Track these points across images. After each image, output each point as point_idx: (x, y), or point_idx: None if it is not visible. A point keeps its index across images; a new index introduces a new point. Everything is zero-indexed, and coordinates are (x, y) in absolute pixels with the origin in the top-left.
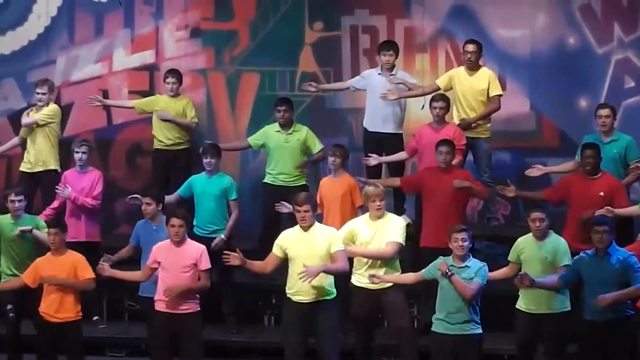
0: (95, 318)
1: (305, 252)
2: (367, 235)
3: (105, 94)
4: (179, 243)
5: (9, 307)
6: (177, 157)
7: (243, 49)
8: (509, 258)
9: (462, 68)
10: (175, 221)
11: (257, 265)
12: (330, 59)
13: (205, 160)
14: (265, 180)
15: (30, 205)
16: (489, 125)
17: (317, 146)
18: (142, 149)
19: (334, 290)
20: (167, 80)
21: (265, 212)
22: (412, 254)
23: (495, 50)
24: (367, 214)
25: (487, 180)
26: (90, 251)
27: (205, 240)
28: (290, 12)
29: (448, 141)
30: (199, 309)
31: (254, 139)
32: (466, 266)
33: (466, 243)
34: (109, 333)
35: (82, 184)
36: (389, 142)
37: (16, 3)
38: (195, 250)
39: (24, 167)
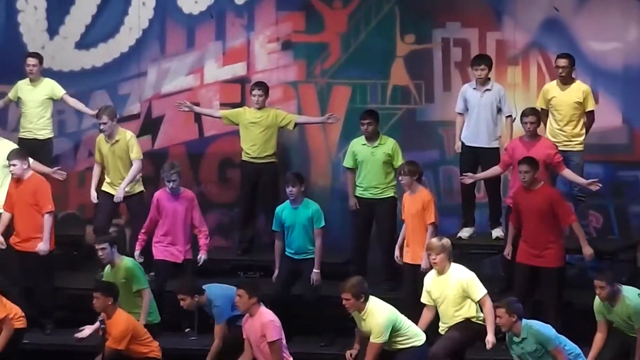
0: (187, 330)
1: None
2: (435, 294)
3: (197, 107)
4: (250, 314)
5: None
6: (263, 170)
7: (334, 61)
8: (596, 318)
9: (554, 82)
10: (238, 291)
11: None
12: (421, 72)
13: (287, 190)
14: (355, 194)
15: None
16: (582, 138)
17: (398, 161)
18: (232, 161)
19: (414, 339)
20: (254, 92)
21: (355, 226)
22: (504, 266)
23: (587, 63)
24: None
25: (577, 194)
26: (181, 268)
27: (296, 262)
28: (382, 25)
29: (528, 160)
30: None
31: (347, 161)
32: (524, 338)
33: (502, 320)
34: (200, 345)
35: (176, 207)
36: (485, 155)
37: (108, 15)
38: (261, 324)
39: (106, 188)
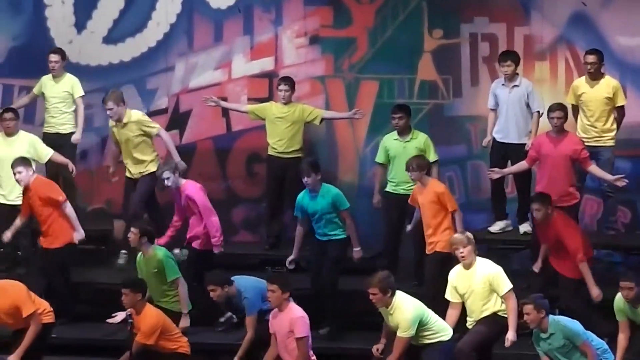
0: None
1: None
2: (462, 289)
3: (224, 101)
4: (279, 309)
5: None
6: (289, 165)
7: (362, 56)
8: (617, 318)
9: (583, 78)
10: (270, 286)
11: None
12: (449, 67)
13: (304, 180)
14: (386, 189)
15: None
16: (613, 133)
17: (430, 156)
18: (260, 156)
19: (441, 334)
20: (280, 87)
21: (386, 221)
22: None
23: (615, 58)
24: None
25: (606, 190)
26: (207, 258)
27: (323, 243)
28: (410, 20)
29: (540, 198)
30: None
31: (379, 156)
32: (551, 334)
33: (530, 316)
34: (228, 340)
35: (178, 199)
36: (514, 151)
37: (135, 10)
38: (290, 319)
39: (128, 174)
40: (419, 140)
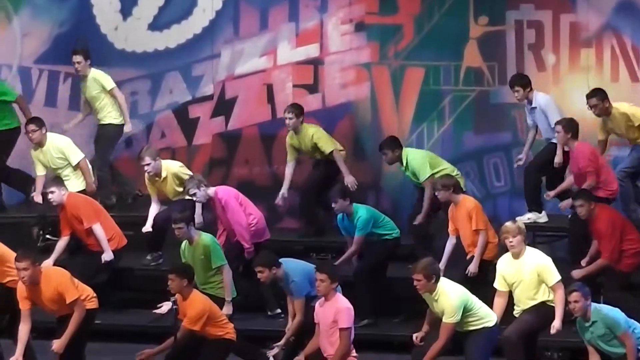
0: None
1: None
2: (511, 279)
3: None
4: (326, 298)
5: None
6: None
7: (407, 43)
8: None
9: (599, 119)
10: (320, 275)
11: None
12: (495, 54)
13: (332, 205)
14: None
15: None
16: None
17: (422, 175)
18: None
19: (486, 320)
20: (284, 115)
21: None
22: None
23: None
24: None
25: (619, 179)
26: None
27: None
28: (455, 6)
29: (582, 194)
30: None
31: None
32: (593, 322)
33: (578, 304)
34: (274, 326)
35: (217, 211)
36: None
37: None
38: (335, 309)
39: None
40: (407, 164)
